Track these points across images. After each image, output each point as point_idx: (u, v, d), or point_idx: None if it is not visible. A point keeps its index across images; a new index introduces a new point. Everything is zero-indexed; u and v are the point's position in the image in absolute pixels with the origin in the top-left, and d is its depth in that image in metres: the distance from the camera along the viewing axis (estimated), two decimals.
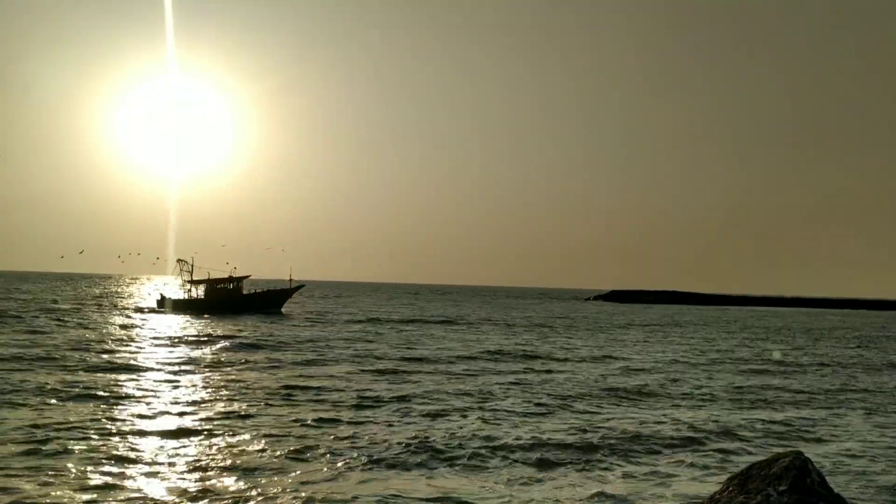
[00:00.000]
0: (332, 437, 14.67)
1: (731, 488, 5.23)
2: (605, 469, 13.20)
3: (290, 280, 64.29)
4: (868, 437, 17.11)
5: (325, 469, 12.30)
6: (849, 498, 9.32)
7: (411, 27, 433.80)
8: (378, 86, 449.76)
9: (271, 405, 17.79)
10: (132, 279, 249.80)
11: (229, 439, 14.08)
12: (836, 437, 17.19)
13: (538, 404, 19.26)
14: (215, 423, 15.50)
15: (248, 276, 63.74)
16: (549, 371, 26.98)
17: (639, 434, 15.91)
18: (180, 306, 60.31)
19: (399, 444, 14.02)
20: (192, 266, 61.90)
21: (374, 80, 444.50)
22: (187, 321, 47.70)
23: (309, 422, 15.82)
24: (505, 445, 14.33)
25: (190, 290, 62.22)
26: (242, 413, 16.63)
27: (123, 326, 40.88)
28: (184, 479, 11.43)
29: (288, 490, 11.05)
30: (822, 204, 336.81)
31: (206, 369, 24.14)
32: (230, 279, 62.14)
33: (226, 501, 10.40)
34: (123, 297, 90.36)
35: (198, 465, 12.22)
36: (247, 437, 14.28)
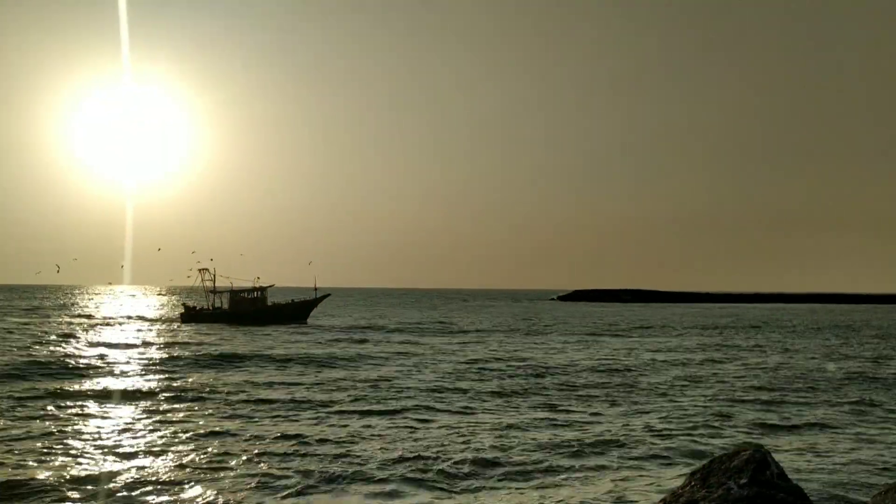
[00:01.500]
0: None
1: (693, 482, 5.25)
2: None
3: (315, 289, 62.09)
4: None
5: None
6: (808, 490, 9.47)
7: (370, 31, 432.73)
8: (336, 91, 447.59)
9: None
10: (80, 290, 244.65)
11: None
12: None
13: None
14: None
15: (272, 286, 61.72)
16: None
17: None
18: (203, 318, 58.28)
19: None
20: (214, 275, 59.52)
21: (332, 86, 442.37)
22: (219, 336, 44.55)
23: None
24: None
25: (213, 301, 60.00)
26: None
27: (161, 345, 36.99)
28: None
29: None
30: (779, 206, 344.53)
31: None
32: (254, 289, 60.02)
33: None
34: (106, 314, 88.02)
35: None
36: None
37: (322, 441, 14.83)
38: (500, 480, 12.41)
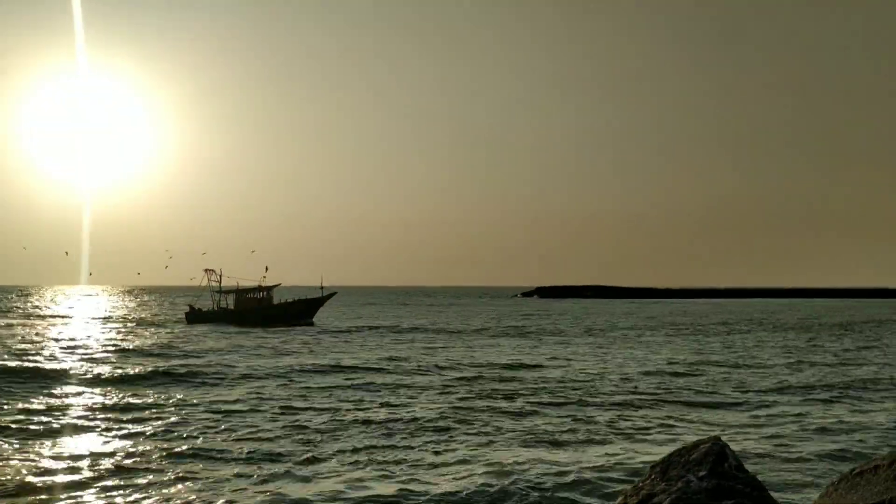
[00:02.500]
0: None
1: (653, 476, 5.30)
2: None
3: (322, 287, 60.89)
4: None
5: None
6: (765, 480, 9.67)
7: (350, 18, 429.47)
8: (313, 84, 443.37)
9: None
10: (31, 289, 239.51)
11: None
12: None
13: None
14: None
15: (278, 285, 61.04)
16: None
17: None
18: (209, 318, 57.55)
19: None
20: (221, 276, 58.93)
21: (306, 78, 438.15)
22: (224, 336, 44.48)
23: None
24: None
25: (219, 301, 59.32)
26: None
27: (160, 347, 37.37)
28: None
29: None
30: (746, 203, 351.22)
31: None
32: (260, 288, 59.36)
33: None
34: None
35: None
36: None
37: None
38: None
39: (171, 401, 20.03)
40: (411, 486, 11.89)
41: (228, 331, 47.58)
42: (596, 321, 66.54)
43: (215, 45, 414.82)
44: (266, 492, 11.60)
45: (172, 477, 12.36)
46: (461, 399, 20.96)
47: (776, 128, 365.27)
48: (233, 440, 15.20)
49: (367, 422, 17.32)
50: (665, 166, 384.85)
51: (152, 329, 50.71)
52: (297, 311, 60.12)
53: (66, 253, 68.76)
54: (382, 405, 19.78)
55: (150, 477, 12.39)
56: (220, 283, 59.02)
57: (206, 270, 58.70)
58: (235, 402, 19.97)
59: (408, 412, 18.50)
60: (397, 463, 13.52)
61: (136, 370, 26.16)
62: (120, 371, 25.92)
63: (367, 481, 12.29)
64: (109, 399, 20.19)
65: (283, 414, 18.19)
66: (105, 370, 26.26)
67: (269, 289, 59.69)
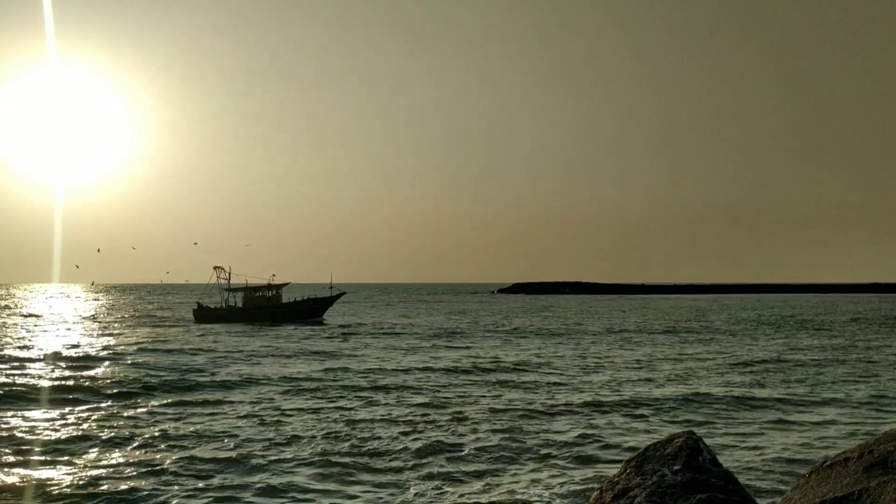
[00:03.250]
0: None
1: (629, 470, 5.34)
2: None
3: (331, 286, 60.61)
4: None
5: None
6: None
7: (333, 12, 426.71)
8: (285, 83, 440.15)
9: None
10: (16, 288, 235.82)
11: None
12: None
13: None
14: None
15: (287, 284, 60.37)
16: None
17: None
18: (217, 317, 56.77)
19: None
20: (230, 273, 58.03)
21: (285, 75, 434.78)
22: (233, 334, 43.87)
23: None
24: None
25: (227, 299, 58.57)
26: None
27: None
28: None
29: None
30: (716, 199, 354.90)
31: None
32: (269, 286, 58.71)
33: None
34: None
35: None
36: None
37: None
38: None
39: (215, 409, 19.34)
40: None
41: (261, 331, 46.60)
42: (628, 318, 66.84)
43: (193, 39, 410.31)
44: None
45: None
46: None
47: (739, 125, 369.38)
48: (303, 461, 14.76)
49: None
50: (639, 164, 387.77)
51: (160, 329, 49.48)
52: (307, 309, 59.34)
53: (98, 250, 67.25)
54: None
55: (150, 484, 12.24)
56: (229, 280, 58.18)
57: (214, 268, 58.03)
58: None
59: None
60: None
61: (144, 378, 24.08)
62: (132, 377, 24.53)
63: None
64: (118, 410, 19.09)
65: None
66: (117, 375, 25.42)
67: (278, 287, 59.04)
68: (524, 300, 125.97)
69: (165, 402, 19.72)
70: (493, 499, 11.32)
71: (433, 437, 15.29)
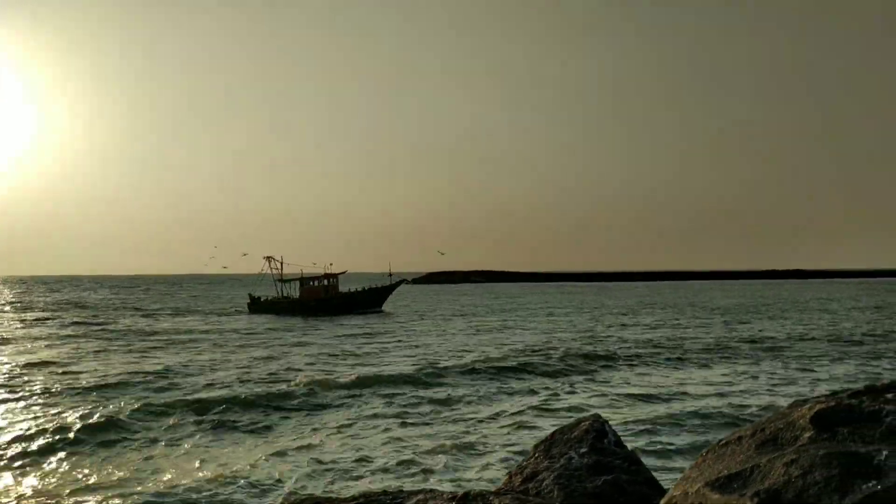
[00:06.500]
0: None
1: (537, 454, 5.44)
2: None
3: (390, 275, 57.36)
4: None
5: None
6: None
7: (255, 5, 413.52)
8: (210, 68, 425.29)
9: None
10: None
11: None
12: None
13: None
14: None
15: (344, 272, 57.32)
16: None
17: None
18: (272, 308, 54.21)
19: None
20: (282, 263, 55.65)
21: (203, 62, 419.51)
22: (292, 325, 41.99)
23: None
24: None
25: (281, 289, 56.05)
26: None
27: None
28: None
29: None
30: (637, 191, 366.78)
31: None
32: (325, 276, 55.67)
33: None
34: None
35: None
36: None
37: None
38: None
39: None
40: None
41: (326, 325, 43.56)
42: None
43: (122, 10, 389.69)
44: None
45: None
46: None
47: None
48: None
49: None
50: (574, 155, 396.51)
51: (215, 317, 47.09)
52: (366, 299, 56.67)
53: (215, 247, 63.11)
54: None
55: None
56: (282, 270, 55.92)
57: (265, 258, 55.62)
58: None
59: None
60: None
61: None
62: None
63: None
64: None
65: None
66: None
67: (335, 276, 56.15)
68: (443, 288, 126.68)
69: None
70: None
71: None
